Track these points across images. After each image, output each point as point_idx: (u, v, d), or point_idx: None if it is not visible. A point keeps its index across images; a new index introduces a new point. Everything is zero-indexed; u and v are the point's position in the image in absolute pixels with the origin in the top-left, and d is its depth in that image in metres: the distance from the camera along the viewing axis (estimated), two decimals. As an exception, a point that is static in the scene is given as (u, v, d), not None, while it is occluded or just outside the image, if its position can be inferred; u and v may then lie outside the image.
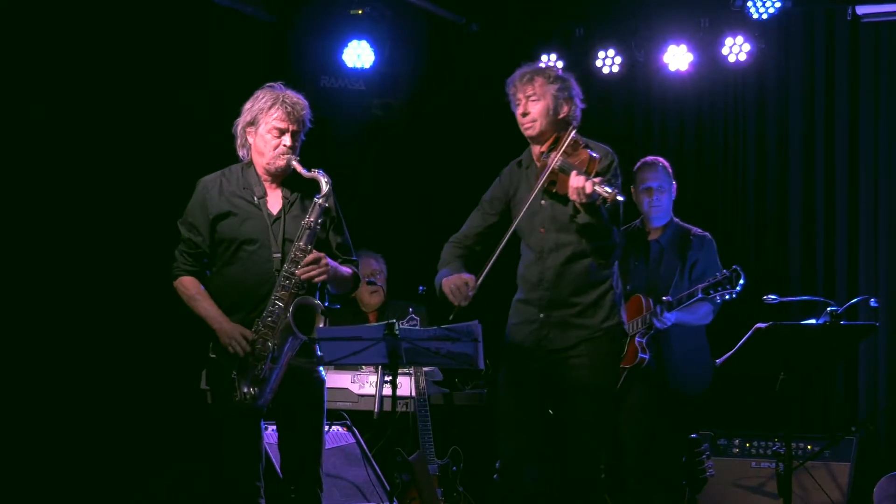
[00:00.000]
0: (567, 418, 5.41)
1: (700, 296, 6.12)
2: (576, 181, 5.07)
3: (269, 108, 5.16)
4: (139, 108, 7.30)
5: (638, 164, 6.68)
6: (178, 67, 7.49)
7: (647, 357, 6.25)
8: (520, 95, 5.44)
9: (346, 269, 5.29)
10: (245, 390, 5.05)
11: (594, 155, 5.29)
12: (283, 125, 5.16)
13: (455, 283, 5.30)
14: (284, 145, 5.17)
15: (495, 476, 5.58)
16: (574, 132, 5.38)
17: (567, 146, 5.32)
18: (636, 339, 6.29)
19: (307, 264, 5.07)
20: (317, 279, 5.09)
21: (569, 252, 5.39)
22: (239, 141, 5.27)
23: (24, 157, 6.80)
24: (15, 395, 6.72)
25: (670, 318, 6.20)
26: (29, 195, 6.83)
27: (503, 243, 5.35)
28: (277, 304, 5.06)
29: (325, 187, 5.14)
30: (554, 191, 5.33)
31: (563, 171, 5.25)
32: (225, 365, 5.10)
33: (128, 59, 7.23)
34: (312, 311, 5.05)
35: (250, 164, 5.27)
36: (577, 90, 5.52)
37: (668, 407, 6.41)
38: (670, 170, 6.67)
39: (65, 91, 6.94)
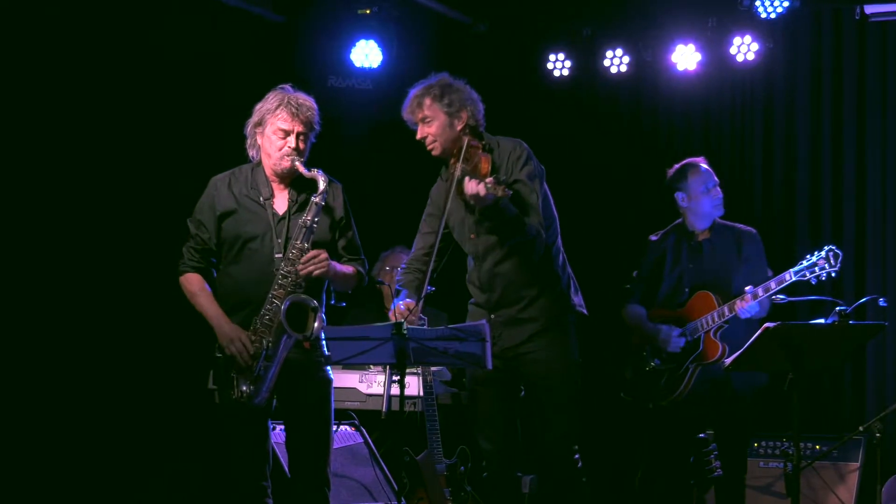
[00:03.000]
0: (533, 412, 5.51)
1: (792, 280, 6.15)
2: (469, 187, 5.16)
3: (275, 109, 5.18)
4: (147, 108, 7.32)
5: (682, 167, 6.62)
6: (186, 67, 7.50)
7: (728, 349, 6.28)
8: (414, 120, 5.53)
9: (347, 268, 5.30)
10: (243, 388, 5.07)
11: (485, 154, 5.37)
12: (287, 126, 5.17)
13: (400, 313, 5.35)
14: (289, 147, 5.17)
15: (484, 474, 5.65)
16: (468, 139, 5.45)
17: (464, 154, 5.39)
18: (711, 334, 6.35)
19: (307, 260, 5.08)
20: (316, 273, 5.10)
21: (503, 252, 5.49)
22: (249, 141, 5.30)
23: (35, 156, 6.82)
24: (22, 395, 6.74)
25: (755, 308, 6.23)
26: (42, 196, 6.86)
27: (432, 258, 5.45)
28: (274, 303, 5.08)
29: (321, 185, 5.15)
30: (466, 199, 5.39)
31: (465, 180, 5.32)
32: (229, 364, 5.12)
33: (136, 58, 7.25)
34: (306, 309, 5.06)
35: (259, 164, 5.29)
36: (469, 94, 5.56)
37: (733, 406, 6.43)
38: None
39: (72, 90, 6.95)
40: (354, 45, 8.36)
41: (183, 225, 5.33)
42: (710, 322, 6.35)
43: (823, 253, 6.10)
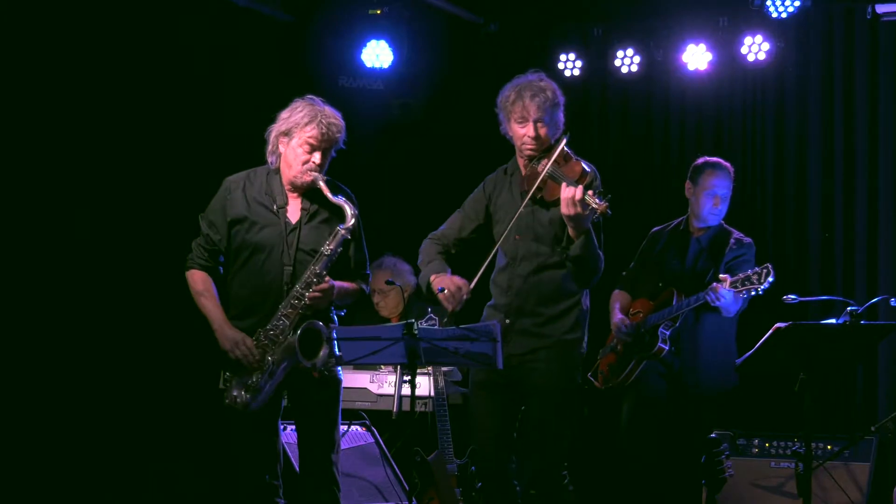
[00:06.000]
0: (527, 420, 5.45)
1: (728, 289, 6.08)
2: (567, 191, 5.10)
3: (306, 124, 5.16)
4: (157, 108, 7.32)
5: (705, 161, 6.62)
6: (197, 67, 7.51)
7: (666, 348, 6.25)
8: (528, 114, 5.41)
9: (349, 286, 5.32)
10: (235, 394, 5.08)
11: (587, 169, 5.33)
12: (315, 143, 5.16)
13: (449, 287, 5.35)
14: (314, 162, 5.17)
15: (479, 484, 5.62)
16: (563, 141, 5.39)
17: (559, 156, 5.34)
18: (660, 329, 6.30)
19: (319, 290, 5.10)
20: (317, 306, 5.14)
21: (540, 262, 5.45)
22: (270, 147, 5.26)
23: (46, 155, 6.84)
24: (28, 396, 6.75)
25: (727, 295, 6.11)
26: (53, 195, 6.87)
27: (495, 250, 5.43)
28: (283, 320, 5.10)
29: (350, 220, 5.17)
30: (539, 196, 5.36)
31: (554, 180, 5.30)
32: (226, 365, 5.14)
33: (146, 58, 7.26)
34: (320, 337, 5.06)
35: (277, 171, 5.28)
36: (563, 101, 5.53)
37: (691, 406, 6.41)
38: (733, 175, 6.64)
39: (80, 90, 6.97)
40: (365, 46, 8.37)
41: (190, 224, 5.33)
42: (660, 318, 6.33)
43: (759, 268, 5.99)
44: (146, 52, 7.24)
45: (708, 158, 6.69)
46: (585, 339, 5.53)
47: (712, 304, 6.18)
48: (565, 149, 5.38)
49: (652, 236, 6.75)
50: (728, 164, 6.65)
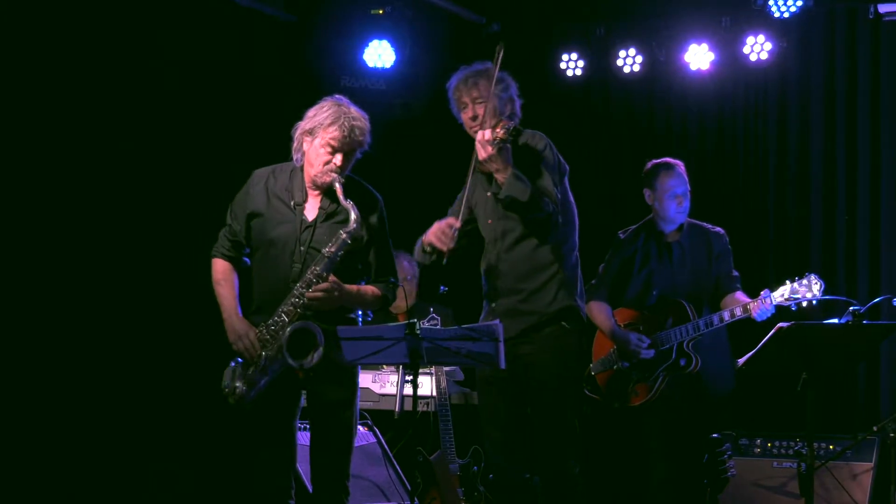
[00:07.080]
0: (531, 413, 5.45)
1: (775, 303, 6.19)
2: (478, 136, 5.22)
3: (329, 124, 5.14)
4: (161, 108, 7.33)
5: (655, 165, 6.60)
6: (199, 67, 7.51)
7: (701, 362, 6.29)
8: (465, 99, 5.47)
9: (369, 290, 5.28)
10: (238, 384, 5.08)
11: (507, 122, 5.35)
12: (337, 145, 5.14)
13: (437, 228, 5.38)
14: (335, 164, 5.16)
15: (490, 476, 5.61)
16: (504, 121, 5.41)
17: (494, 127, 5.35)
18: (684, 345, 6.34)
19: (320, 290, 5.08)
20: (320, 307, 5.09)
21: (511, 239, 5.47)
22: (295, 145, 5.25)
23: (50, 156, 6.85)
24: (35, 396, 6.76)
25: (772, 310, 6.21)
26: (61, 194, 6.89)
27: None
28: (282, 317, 5.08)
29: (352, 224, 5.14)
30: (483, 170, 5.40)
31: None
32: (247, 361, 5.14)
33: (149, 59, 7.26)
34: (313, 338, 5.05)
35: (302, 168, 5.28)
36: (515, 87, 5.55)
37: (701, 410, 6.43)
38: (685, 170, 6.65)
39: (84, 90, 6.98)
40: (367, 46, 8.38)
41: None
42: (685, 334, 6.34)
43: (803, 280, 6.13)
44: (147, 51, 7.24)
45: (656, 161, 6.66)
46: (576, 306, 5.49)
47: (758, 321, 6.21)
48: (504, 120, 5.39)
49: (621, 242, 6.68)
50: (678, 162, 6.63)
